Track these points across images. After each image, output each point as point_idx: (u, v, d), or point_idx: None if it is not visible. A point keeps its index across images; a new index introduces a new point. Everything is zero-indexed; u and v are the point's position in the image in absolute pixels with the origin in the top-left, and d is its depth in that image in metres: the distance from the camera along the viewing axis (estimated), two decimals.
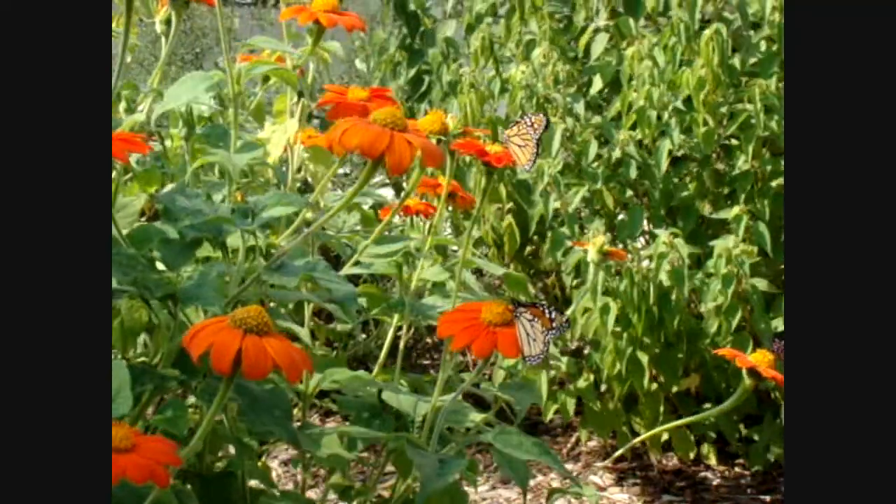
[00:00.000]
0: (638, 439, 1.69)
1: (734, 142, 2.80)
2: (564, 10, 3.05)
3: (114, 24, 1.77)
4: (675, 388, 2.79)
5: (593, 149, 2.81)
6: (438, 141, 1.50)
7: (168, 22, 1.56)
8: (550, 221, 2.85)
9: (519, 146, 1.51)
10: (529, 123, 1.51)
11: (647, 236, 2.94)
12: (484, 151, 1.51)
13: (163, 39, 1.56)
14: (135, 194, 1.53)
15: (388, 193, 3.13)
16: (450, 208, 1.78)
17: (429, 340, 3.29)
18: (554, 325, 1.28)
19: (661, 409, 2.79)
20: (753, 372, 1.46)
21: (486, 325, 1.28)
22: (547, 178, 2.80)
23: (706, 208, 2.87)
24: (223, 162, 1.37)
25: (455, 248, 1.71)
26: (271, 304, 1.45)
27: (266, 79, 1.61)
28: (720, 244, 2.62)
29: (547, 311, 1.28)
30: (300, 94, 1.64)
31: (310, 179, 1.65)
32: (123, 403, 1.10)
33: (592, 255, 1.61)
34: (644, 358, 2.70)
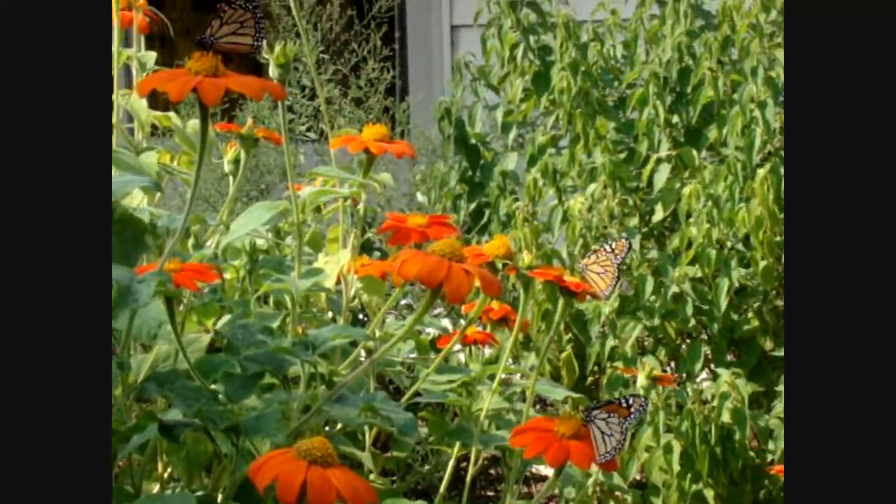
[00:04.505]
0: None
1: None
2: (627, 140, 3.07)
3: (175, 163, 1.81)
4: None
5: (650, 285, 2.81)
6: (504, 265, 1.52)
7: (237, 161, 1.61)
8: (610, 354, 2.84)
9: (597, 273, 1.53)
10: (610, 250, 1.52)
11: (711, 366, 2.91)
12: (561, 278, 1.52)
13: (230, 178, 1.61)
14: (194, 327, 1.56)
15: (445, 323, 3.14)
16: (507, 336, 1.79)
17: (492, 472, 3.26)
18: (632, 410, 1.30)
19: None
20: None
21: (559, 437, 1.30)
22: (603, 317, 2.80)
23: (768, 344, 2.85)
24: (288, 288, 1.41)
25: (517, 376, 1.71)
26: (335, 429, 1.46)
27: (318, 209, 1.65)
28: None
29: (622, 401, 1.30)
30: (354, 225, 1.68)
31: (365, 308, 1.68)
32: None
33: (641, 382, 1.63)
34: (710, 494, 2.67)
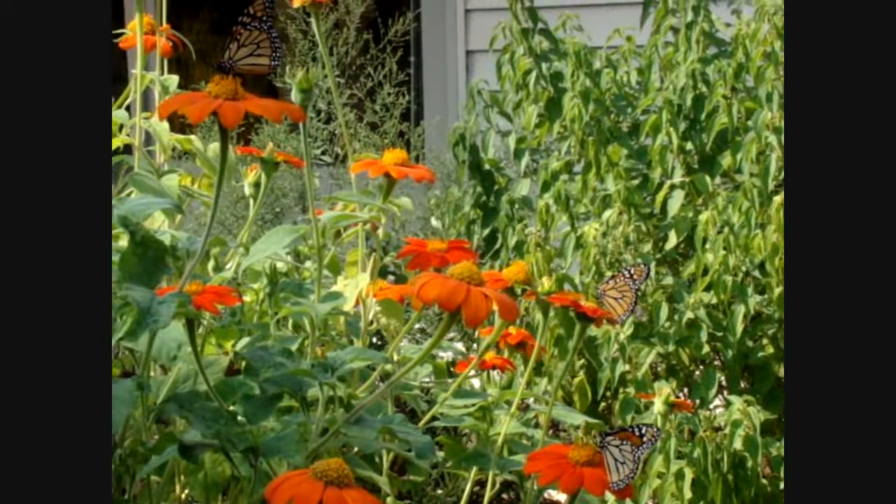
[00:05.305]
0: None
1: None
2: (640, 167, 3.08)
3: (196, 185, 1.83)
4: None
5: (664, 311, 2.81)
6: (522, 290, 1.53)
7: (257, 185, 1.62)
8: (622, 379, 2.83)
9: (615, 299, 1.54)
10: (628, 275, 1.53)
11: (724, 393, 2.91)
12: (578, 304, 1.53)
13: (250, 201, 1.62)
14: (212, 349, 1.56)
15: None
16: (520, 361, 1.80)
17: (507, 496, 3.26)
18: (644, 439, 1.30)
19: None
20: None
21: (573, 463, 1.30)
22: (615, 343, 2.80)
23: (782, 371, 2.84)
24: (308, 312, 1.42)
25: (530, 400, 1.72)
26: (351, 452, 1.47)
27: (338, 234, 1.66)
28: None
29: (636, 429, 1.30)
30: (372, 249, 1.69)
31: (383, 332, 1.68)
32: None
33: (659, 408, 1.63)
34: None
